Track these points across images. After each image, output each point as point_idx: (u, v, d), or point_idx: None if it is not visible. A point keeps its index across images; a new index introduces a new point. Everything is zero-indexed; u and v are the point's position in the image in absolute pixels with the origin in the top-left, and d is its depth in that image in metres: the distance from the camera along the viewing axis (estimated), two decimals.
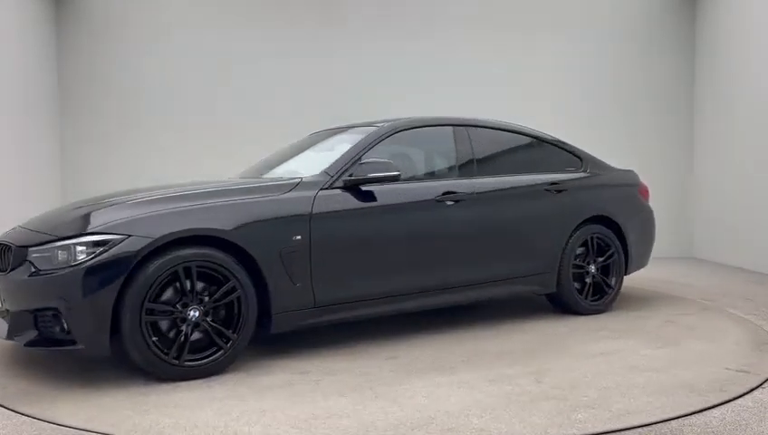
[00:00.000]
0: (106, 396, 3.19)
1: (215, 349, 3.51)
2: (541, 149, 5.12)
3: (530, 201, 4.77)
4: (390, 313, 4.19)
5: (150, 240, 3.33)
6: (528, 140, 5.10)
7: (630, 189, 5.45)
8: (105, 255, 3.26)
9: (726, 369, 3.51)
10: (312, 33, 8.34)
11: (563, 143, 5.28)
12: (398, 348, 4.05)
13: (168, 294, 3.43)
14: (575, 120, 8.16)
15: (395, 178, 4.09)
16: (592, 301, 5.02)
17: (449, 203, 4.35)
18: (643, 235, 5.45)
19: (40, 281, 3.29)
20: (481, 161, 4.72)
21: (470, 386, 3.27)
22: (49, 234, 3.45)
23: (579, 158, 5.29)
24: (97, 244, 3.29)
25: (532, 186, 4.81)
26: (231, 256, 3.55)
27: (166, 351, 3.37)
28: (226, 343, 3.53)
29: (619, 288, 5.17)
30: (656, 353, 3.86)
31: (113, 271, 3.25)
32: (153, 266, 3.33)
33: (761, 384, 3.29)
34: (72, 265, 3.25)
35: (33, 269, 3.34)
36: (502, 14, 8.58)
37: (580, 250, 4.97)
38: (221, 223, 3.55)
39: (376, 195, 4.10)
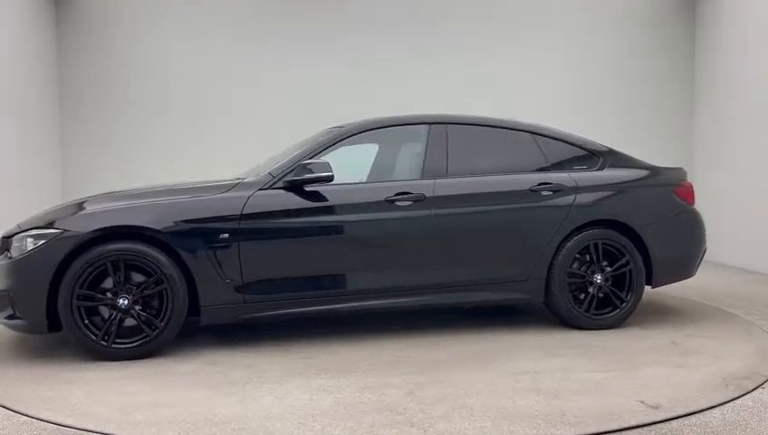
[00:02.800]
0: (24, 369, 3.68)
1: (143, 335, 3.86)
2: (540, 147, 4.67)
3: (506, 203, 4.41)
4: (324, 314, 4.18)
5: (80, 235, 3.77)
6: (524, 136, 4.69)
7: (661, 190, 4.75)
8: (43, 246, 3.76)
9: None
10: (313, 33, 8.37)
11: (574, 139, 4.78)
12: (327, 349, 4.03)
13: (108, 283, 3.84)
14: (575, 119, 7.56)
15: (328, 180, 4.08)
16: (597, 314, 4.49)
17: (403, 204, 4.22)
18: (678, 241, 4.73)
19: (7, 265, 3.90)
20: (457, 161, 4.48)
21: (333, 391, 3.21)
22: (21, 227, 4.06)
23: (594, 154, 4.75)
24: (39, 236, 3.81)
25: (510, 186, 4.45)
26: (160, 252, 3.86)
27: (95, 333, 3.79)
28: (153, 330, 3.86)
29: (636, 302, 4.56)
30: (590, 377, 3.41)
31: (48, 260, 3.74)
32: (84, 258, 3.76)
33: (761, 384, 3.28)
34: (23, 254, 3.81)
35: (9, 256, 3.96)
36: (502, 15, 8.60)
37: (580, 257, 4.49)
38: (148, 221, 3.87)
39: (322, 195, 4.14)
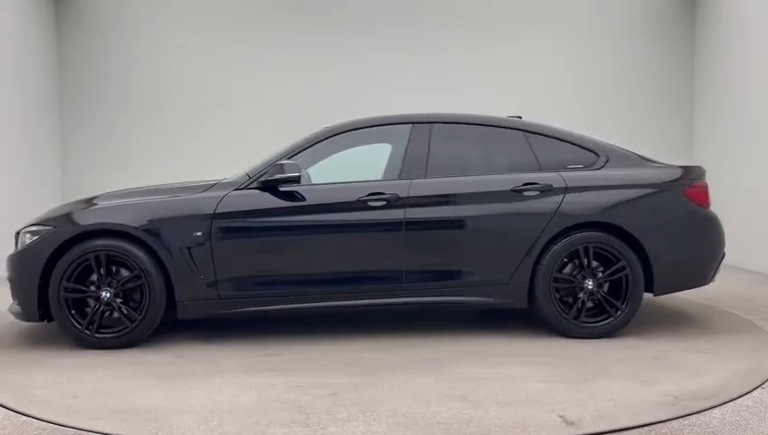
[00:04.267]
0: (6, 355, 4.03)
1: (124, 326, 4.11)
2: (531, 145, 4.46)
3: (485, 203, 4.26)
4: (297, 312, 4.25)
5: (66, 231, 4.08)
6: (515, 135, 4.50)
7: (668, 191, 4.39)
8: (35, 241, 4.12)
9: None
10: (313, 32, 8.36)
11: (572, 137, 4.52)
12: (294, 347, 4.09)
13: (95, 277, 4.13)
14: (574, 119, 7.33)
15: (295, 180, 4.14)
16: (588, 322, 4.24)
17: (376, 204, 4.20)
18: (687, 246, 4.36)
19: (11, 257, 4.28)
20: (439, 160, 4.39)
21: (263, 389, 3.27)
22: (29, 222, 4.45)
23: (595, 153, 4.48)
24: (35, 232, 4.17)
25: (490, 186, 4.29)
26: (140, 249, 4.10)
27: (80, 322, 4.09)
28: (132, 322, 4.10)
29: (633, 310, 4.25)
30: (532, 387, 3.24)
31: (38, 254, 4.08)
32: (70, 253, 4.07)
33: (761, 384, 3.27)
34: (22, 247, 4.19)
35: (17, 249, 4.36)
36: (502, 15, 8.63)
37: (574, 262, 4.26)
38: (127, 219, 4.12)
39: (295, 195, 4.22)
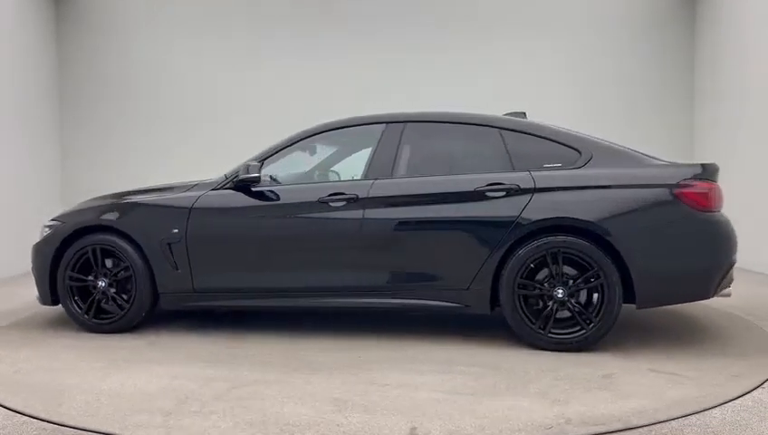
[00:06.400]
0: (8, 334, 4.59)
1: (111, 314, 4.54)
2: (505, 143, 4.19)
3: (445, 204, 4.10)
4: (265, 308, 4.39)
5: (69, 227, 4.59)
6: (489, 132, 4.25)
7: (655, 192, 3.91)
8: (47, 235, 4.67)
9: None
10: (313, 32, 8.26)
11: (554, 134, 4.18)
12: (261, 342, 4.23)
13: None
14: (574, 119, 6.88)
15: (255, 181, 4.29)
16: (558, 334, 3.94)
17: (336, 204, 4.22)
18: (677, 254, 3.87)
19: (33, 247, 4.86)
20: (408, 160, 4.32)
21: (181, 377, 3.46)
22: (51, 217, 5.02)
23: (575, 150, 4.12)
24: (50, 227, 4.73)
25: (452, 187, 4.11)
26: (128, 243, 4.50)
27: (80, 308, 4.58)
28: (122, 310, 4.52)
29: (608, 323, 3.86)
30: (427, 397, 3.11)
31: (49, 246, 4.63)
32: (73, 247, 4.57)
33: (761, 384, 3.27)
34: (41, 239, 4.76)
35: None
36: (502, 14, 8.58)
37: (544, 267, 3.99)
38: (116, 216, 4.54)
39: (265, 195, 4.38)
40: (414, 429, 2.73)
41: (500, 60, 8.53)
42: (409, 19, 8.57)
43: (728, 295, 4.14)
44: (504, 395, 3.15)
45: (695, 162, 4.18)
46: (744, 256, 5.99)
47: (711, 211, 3.90)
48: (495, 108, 5.26)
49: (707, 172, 4.00)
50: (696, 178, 3.93)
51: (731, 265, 3.94)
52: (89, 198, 5.11)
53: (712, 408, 2.92)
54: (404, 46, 8.50)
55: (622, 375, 3.44)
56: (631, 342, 4.13)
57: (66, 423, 2.86)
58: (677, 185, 3.90)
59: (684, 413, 2.86)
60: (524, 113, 4.81)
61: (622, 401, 3.05)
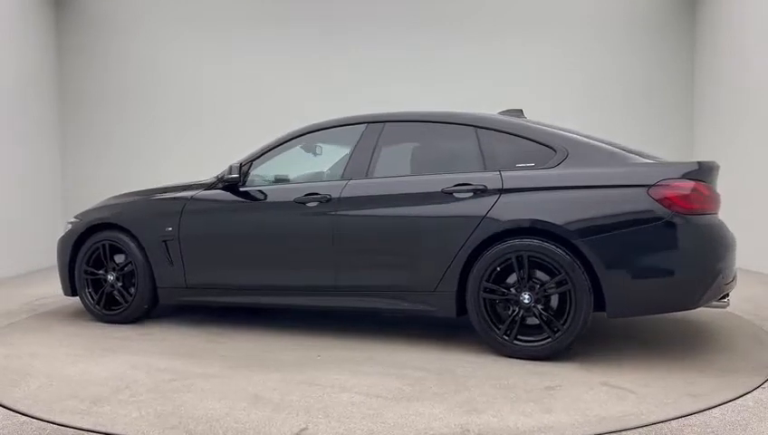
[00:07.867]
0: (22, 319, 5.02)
1: (120, 306, 4.86)
2: (479, 142, 4.04)
3: (413, 205, 4.01)
4: (250, 305, 4.51)
5: (83, 224, 4.97)
6: (465, 131, 4.12)
7: (627, 192, 3.61)
8: (68, 231, 5.08)
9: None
10: (313, 32, 8.15)
11: (530, 132, 3.98)
12: (243, 338, 4.36)
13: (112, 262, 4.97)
14: (574, 119, 7.09)
15: (235, 181, 4.43)
16: (522, 341, 3.77)
17: (311, 205, 4.27)
18: (654, 260, 3.57)
19: (57, 242, 5.29)
20: (385, 161, 4.29)
21: (142, 368, 3.64)
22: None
23: (550, 148, 3.91)
24: (71, 223, 5.13)
25: (421, 187, 4.02)
26: (132, 240, 4.80)
27: (93, 299, 4.94)
28: (126, 302, 4.83)
29: (576, 331, 3.63)
30: (335, 400, 3.10)
31: (67, 242, 5.03)
32: (87, 242, 4.95)
33: (761, 384, 3.27)
34: (63, 234, 5.17)
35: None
36: (502, 13, 8.57)
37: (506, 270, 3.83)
38: (121, 214, 4.85)
39: (249, 195, 4.52)
40: (304, 429, 2.72)
41: (500, 60, 8.53)
42: (409, 19, 8.55)
43: (723, 307, 3.77)
44: (424, 401, 3.06)
45: (691, 160, 3.84)
46: (745, 257, 5.53)
47: (694, 214, 3.57)
48: (495, 108, 5.08)
49: (703, 170, 3.67)
50: (683, 177, 3.60)
51: (718, 272, 3.57)
52: (90, 198, 5.52)
53: (712, 408, 2.91)
54: (404, 46, 8.50)
55: (567, 388, 3.24)
56: (605, 351, 3.87)
57: (68, 424, 2.83)
58: (653, 185, 3.59)
59: (603, 431, 2.66)
60: (521, 111, 4.63)
61: (541, 414, 2.87)
